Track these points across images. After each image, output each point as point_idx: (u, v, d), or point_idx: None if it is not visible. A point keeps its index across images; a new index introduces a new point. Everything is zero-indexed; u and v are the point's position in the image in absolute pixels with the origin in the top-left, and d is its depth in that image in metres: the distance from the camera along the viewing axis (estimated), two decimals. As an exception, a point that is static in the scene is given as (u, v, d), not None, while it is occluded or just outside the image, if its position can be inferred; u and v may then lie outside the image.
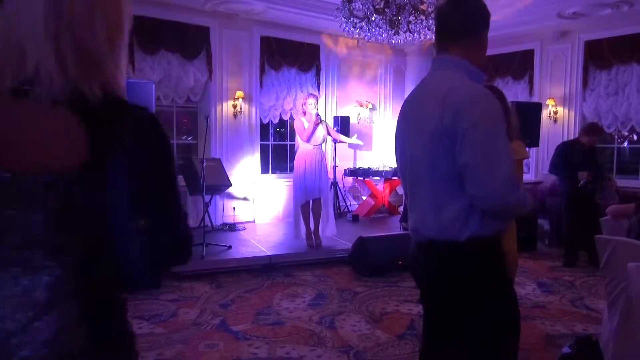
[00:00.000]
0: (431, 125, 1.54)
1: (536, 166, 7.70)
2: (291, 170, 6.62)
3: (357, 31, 5.33)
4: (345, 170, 8.18)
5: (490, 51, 1.75)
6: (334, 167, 7.78)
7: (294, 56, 7.57)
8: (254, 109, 7.44)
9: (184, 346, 3.35)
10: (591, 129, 5.43)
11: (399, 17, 5.07)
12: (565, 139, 6.61)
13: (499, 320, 1.62)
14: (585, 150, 5.37)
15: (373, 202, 8.17)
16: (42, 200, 0.80)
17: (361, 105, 8.47)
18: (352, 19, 5.25)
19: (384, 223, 7.68)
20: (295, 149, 6.76)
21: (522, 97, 7.71)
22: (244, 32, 7.19)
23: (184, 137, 7.81)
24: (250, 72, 7.33)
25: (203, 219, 6.12)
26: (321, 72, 7.89)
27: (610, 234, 3.16)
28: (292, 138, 7.93)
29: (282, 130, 8.35)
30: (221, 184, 6.33)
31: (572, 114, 7.35)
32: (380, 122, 8.80)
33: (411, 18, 5.06)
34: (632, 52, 6.57)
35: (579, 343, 2.94)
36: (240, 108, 7.25)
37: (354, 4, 5.15)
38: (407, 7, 5.01)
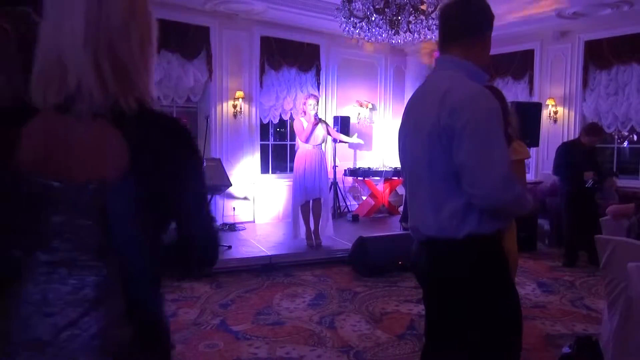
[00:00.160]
0: (429, 125, 1.54)
1: (536, 166, 7.70)
2: (291, 170, 6.61)
3: (357, 31, 5.33)
4: (345, 170, 8.17)
5: (490, 51, 1.75)
6: (334, 167, 7.77)
7: (294, 56, 7.56)
8: (254, 109, 7.44)
9: (184, 346, 3.35)
10: (591, 129, 5.43)
11: (399, 17, 5.06)
12: (565, 139, 6.62)
13: (500, 320, 1.61)
14: (586, 151, 5.37)
15: (373, 202, 8.17)
16: (89, 207, 0.87)
17: (361, 105, 8.46)
18: (352, 19, 5.25)
19: (384, 223, 7.68)
20: (295, 149, 6.76)
21: (522, 97, 7.70)
22: (244, 32, 7.19)
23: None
24: (250, 72, 7.33)
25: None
26: (321, 72, 7.88)
27: (610, 234, 3.16)
28: (292, 138, 7.92)
29: (282, 130, 8.35)
30: (221, 184, 6.32)
31: (572, 114, 7.34)
32: (380, 122, 8.79)
33: (411, 18, 5.05)
34: (632, 52, 6.56)
35: (579, 343, 2.94)
36: (240, 108, 7.24)
37: (354, 4, 5.15)
38: (407, 7, 5.00)
